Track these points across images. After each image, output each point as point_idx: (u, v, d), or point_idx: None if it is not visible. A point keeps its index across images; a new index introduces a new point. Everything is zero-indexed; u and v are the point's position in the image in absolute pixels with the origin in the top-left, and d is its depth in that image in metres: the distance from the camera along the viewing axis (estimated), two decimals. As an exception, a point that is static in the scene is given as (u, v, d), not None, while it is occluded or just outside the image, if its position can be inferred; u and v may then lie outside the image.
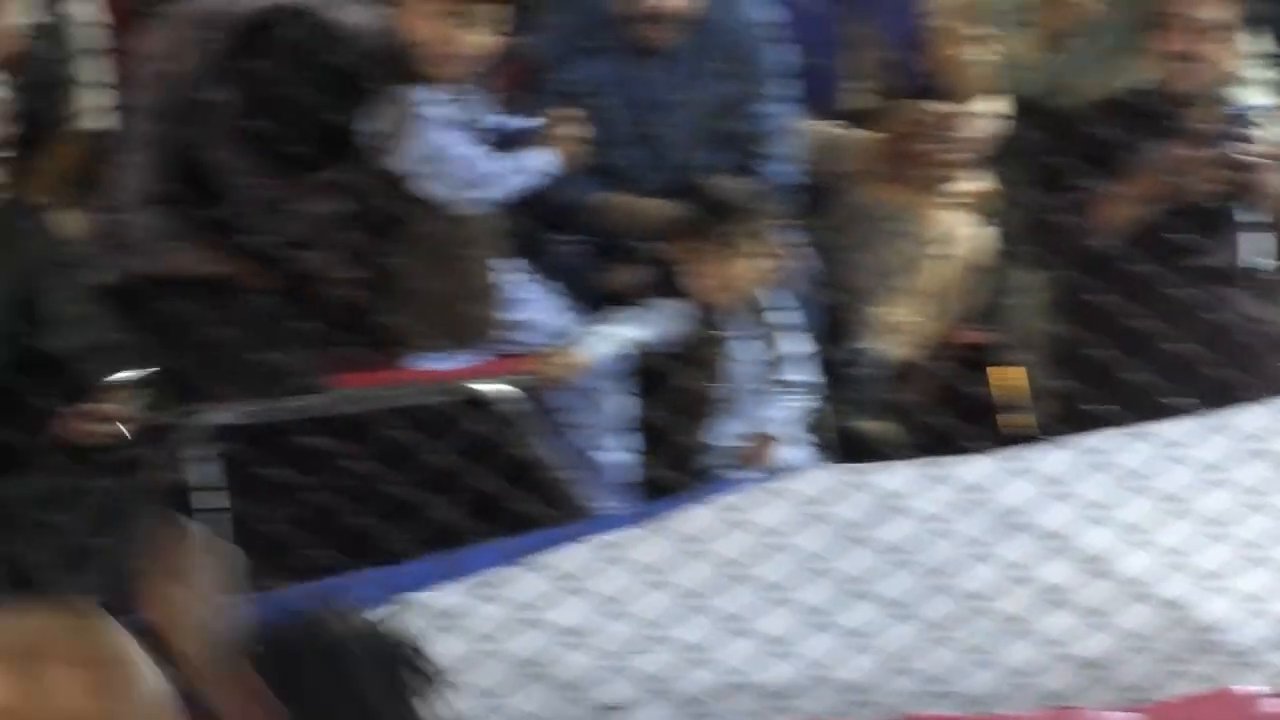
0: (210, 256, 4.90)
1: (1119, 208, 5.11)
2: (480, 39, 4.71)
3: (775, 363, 5.05)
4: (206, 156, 4.83)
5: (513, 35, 4.87)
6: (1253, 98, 5.35)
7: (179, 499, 4.66)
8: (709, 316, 5.01)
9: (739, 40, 5.18)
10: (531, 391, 4.92)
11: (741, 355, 5.04)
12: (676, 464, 4.95)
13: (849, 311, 5.27)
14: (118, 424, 4.35)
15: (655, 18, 5.02)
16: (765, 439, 5.02)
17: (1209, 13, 5.11)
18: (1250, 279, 5.23)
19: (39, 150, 4.64)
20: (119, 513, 4.01)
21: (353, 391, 4.76)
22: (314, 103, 4.57)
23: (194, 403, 4.68)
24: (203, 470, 4.73)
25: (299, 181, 4.66)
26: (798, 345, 5.11)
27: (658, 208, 5.13)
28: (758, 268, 4.99)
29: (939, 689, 3.99)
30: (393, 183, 4.72)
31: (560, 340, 4.94)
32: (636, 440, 4.98)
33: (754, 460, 4.97)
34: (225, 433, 4.68)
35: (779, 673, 3.96)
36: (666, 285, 5.08)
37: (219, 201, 4.86)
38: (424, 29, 4.68)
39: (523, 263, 5.08)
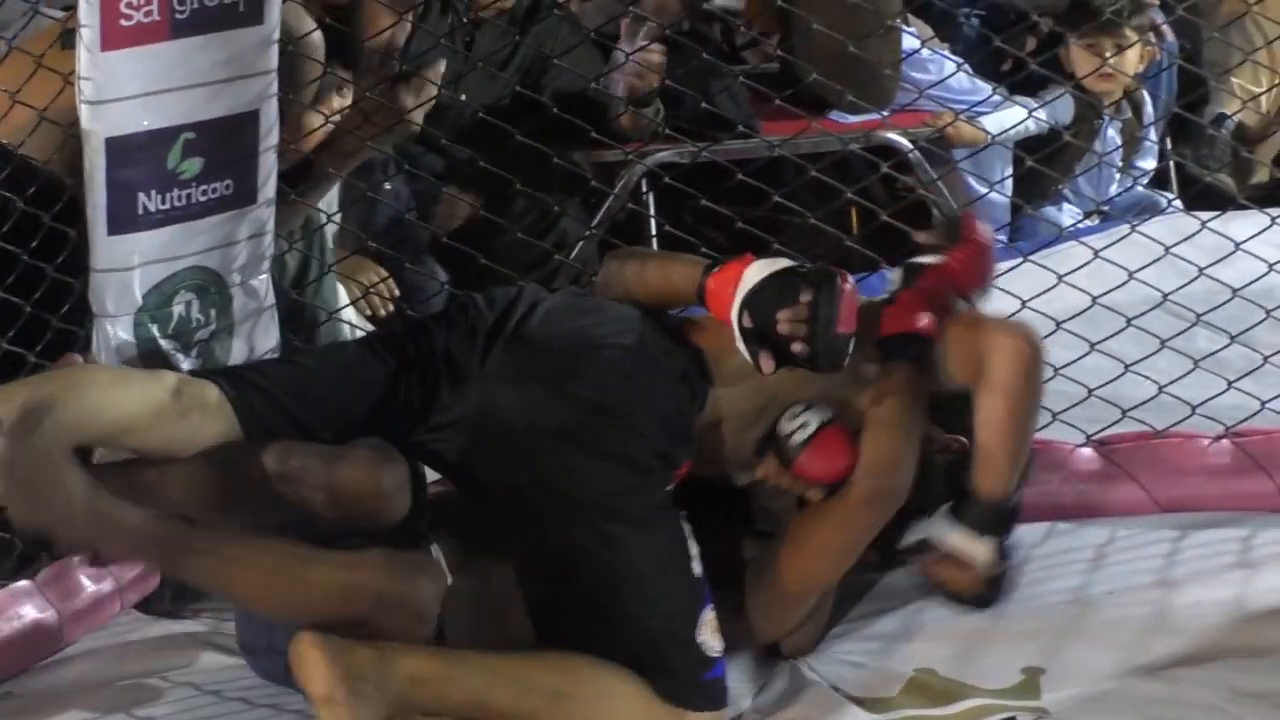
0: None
1: None
2: None
3: (1137, 133, 5.36)
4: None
5: None
6: None
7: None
8: (1094, 101, 5.31)
9: None
10: (932, 144, 5.30)
11: (1112, 129, 5.34)
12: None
13: (1208, 82, 5.56)
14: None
15: None
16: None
17: None
18: None
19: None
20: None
21: (777, 138, 5.09)
22: None
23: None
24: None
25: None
26: (1156, 112, 5.39)
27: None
28: (1141, 57, 5.30)
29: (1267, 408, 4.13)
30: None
31: (962, 104, 5.24)
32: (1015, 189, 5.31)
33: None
34: (667, 169, 5.06)
35: (1123, 386, 4.20)
36: (1056, 67, 5.35)
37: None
38: None
39: (932, 32, 5.42)
